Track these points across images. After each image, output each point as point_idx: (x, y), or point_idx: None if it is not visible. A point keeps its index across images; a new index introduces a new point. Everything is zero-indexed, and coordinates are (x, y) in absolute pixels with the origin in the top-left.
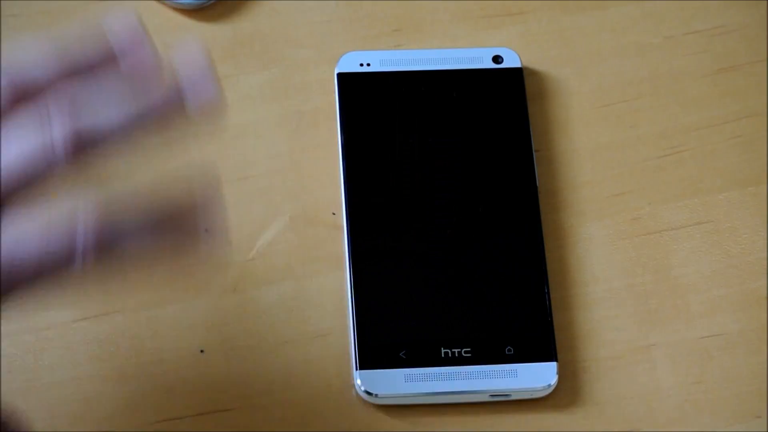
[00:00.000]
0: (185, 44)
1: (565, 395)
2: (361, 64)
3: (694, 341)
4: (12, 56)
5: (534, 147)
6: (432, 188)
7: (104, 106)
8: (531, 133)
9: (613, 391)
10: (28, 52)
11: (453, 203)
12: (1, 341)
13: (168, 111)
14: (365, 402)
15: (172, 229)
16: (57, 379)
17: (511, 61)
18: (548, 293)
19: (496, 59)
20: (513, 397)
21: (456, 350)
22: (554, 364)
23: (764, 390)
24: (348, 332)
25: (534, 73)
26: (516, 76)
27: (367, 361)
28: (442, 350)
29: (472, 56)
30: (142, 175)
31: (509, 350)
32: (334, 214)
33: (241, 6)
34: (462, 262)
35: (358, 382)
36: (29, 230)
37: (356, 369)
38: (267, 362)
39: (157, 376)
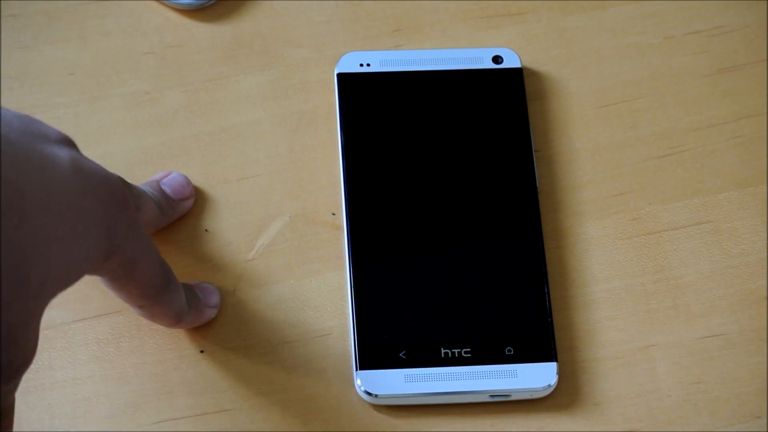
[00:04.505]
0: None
1: (565, 395)
2: (361, 65)
3: (693, 341)
4: None
5: (534, 147)
6: (432, 188)
7: None
8: (531, 133)
9: (613, 391)
10: None
11: (453, 203)
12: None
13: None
14: (365, 402)
15: None
16: (57, 379)
17: (511, 61)
18: (548, 293)
19: (496, 59)
20: (513, 398)
21: (456, 350)
22: (554, 364)
23: (764, 390)
24: (348, 332)
25: (534, 73)
26: (516, 76)
27: (367, 361)
28: (442, 350)
29: (472, 56)
30: None
31: (509, 350)
32: (334, 214)
33: (241, 6)
34: (462, 262)
35: (358, 382)
36: None
37: (356, 369)
38: (267, 362)
39: (157, 376)
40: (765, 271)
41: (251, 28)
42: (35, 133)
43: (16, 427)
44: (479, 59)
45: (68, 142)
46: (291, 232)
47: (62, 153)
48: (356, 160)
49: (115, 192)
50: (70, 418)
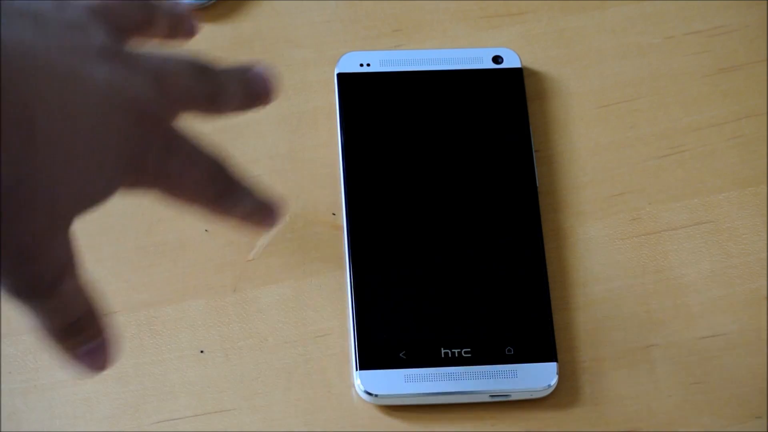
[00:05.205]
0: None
1: (565, 395)
2: (361, 64)
3: (694, 341)
4: None
5: (534, 147)
6: (432, 188)
7: None
8: (531, 133)
9: (613, 391)
10: None
11: (453, 203)
12: (1, 341)
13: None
14: (365, 402)
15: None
16: (57, 379)
17: (511, 62)
18: (548, 293)
19: (496, 59)
20: (513, 398)
21: (456, 350)
22: (554, 364)
23: (764, 390)
24: (348, 332)
25: (534, 73)
26: (516, 76)
27: (367, 361)
28: (442, 350)
29: (472, 56)
30: None
31: (509, 350)
32: (334, 214)
33: (241, 6)
34: (462, 262)
35: (358, 382)
36: None
37: (356, 369)
38: (267, 362)
39: (157, 376)
40: (765, 271)
41: (251, 28)
42: (75, 45)
43: (16, 426)
44: (479, 59)
45: (112, 53)
46: (291, 232)
47: (97, 70)
48: (356, 160)
49: (148, 113)
50: (70, 418)
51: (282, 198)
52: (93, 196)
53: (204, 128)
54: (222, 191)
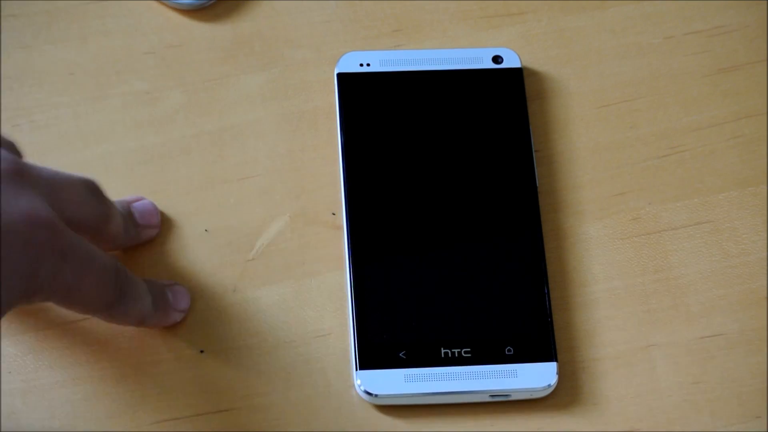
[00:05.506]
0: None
1: (565, 395)
2: (361, 64)
3: (693, 341)
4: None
5: (534, 147)
6: (432, 188)
7: None
8: (531, 133)
9: (613, 391)
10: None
11: (453, 203)
12: (1, 341)
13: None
14: (365, 402)
15: None
16: (57, 379)
17: (510, 61)
18: (548, 293)
19: (496, 59)
20: (513, 398)
21: (456, 350)
22: (554, 364)
23: (764, 390)
24: (348, 332)
25: (534, 73)
26: (516, 76)
27: (367, 361)
28: (442, 350)
29: (472, 56)
30: None
31: (509, 350)
32: (334, 214)
33: (241, 6)
34: (462, 262)
35: (358, 382)
36: None
37: (356, 369)
38: (267, 362)
39: (157, 376)
40: (765, 271)
41: (251, 28)
42: None
43: (16, 426)
44: (479, 59)
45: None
46: (291, 232)
47: None
48: (356, 160)
49: (35, 231)
50: (70, 418)
51: (187, 287)
52: None
53: (204, 128)
54: (118, 296)
